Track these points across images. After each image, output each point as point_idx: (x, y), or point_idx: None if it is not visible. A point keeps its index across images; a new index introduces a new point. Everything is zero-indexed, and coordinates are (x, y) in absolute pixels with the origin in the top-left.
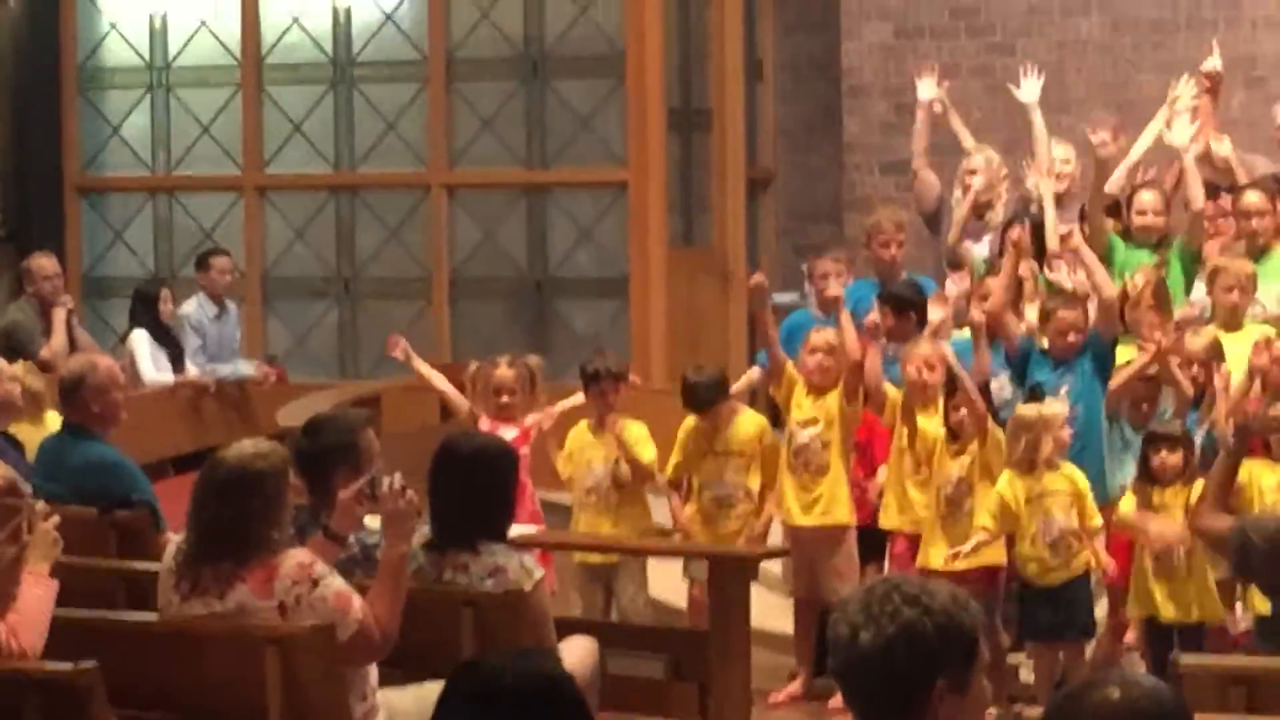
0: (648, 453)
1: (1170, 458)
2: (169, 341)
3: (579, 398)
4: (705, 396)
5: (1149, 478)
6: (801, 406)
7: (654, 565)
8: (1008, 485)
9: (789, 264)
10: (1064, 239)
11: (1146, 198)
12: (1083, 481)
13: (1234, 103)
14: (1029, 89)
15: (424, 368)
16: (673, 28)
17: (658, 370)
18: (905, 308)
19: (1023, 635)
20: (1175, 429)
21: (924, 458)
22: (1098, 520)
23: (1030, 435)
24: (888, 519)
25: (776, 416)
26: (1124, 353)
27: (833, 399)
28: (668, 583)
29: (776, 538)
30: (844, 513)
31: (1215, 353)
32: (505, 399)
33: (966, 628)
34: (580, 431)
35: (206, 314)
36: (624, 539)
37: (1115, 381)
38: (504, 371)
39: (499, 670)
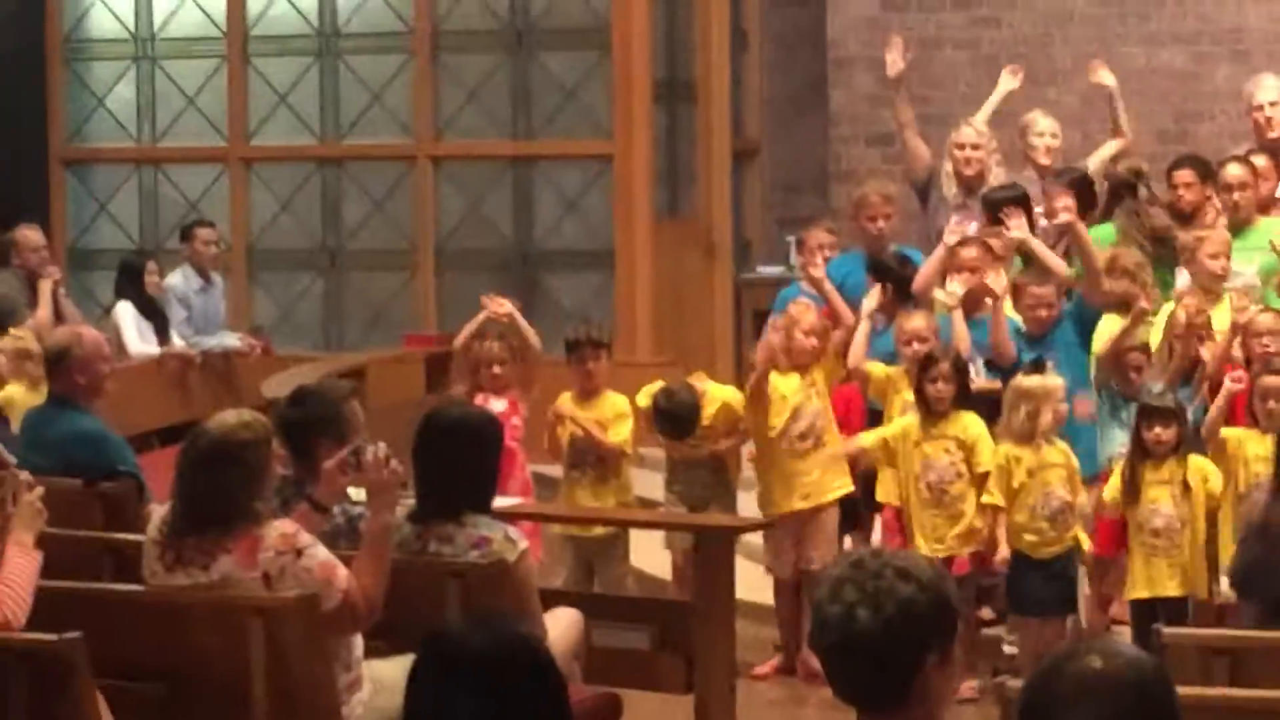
0: (621, 430)
1: (1164, 432)
2: (154, 313)
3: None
4: (679, 429)
5: (1141, 452)
6: (788, 386)
7: (637, 536)
8: (1005, 456)
9: (774, 236)
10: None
11: None
12: (1072, 456)
13: (1219, 76)
14: (1106, 75)
15: (531, 335)
16: None
17: (643, 342)
18: (892, 280)
19: (1011, 608)
20: (1168, 402)
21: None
22: (1083, 496)
23: (1030, 406)
24: (885, 493)
25: None
26: (1111, 322)
27: (817, 373)
28: (651, 554)
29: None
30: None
31: (1204, 325)
32: (496, 369)
33: (953, 599)
34: (564, 401)
35: (191, 286)
36: (606, 511)
37: (1102, 347)
38: (492, 344)
39: (465, 637)
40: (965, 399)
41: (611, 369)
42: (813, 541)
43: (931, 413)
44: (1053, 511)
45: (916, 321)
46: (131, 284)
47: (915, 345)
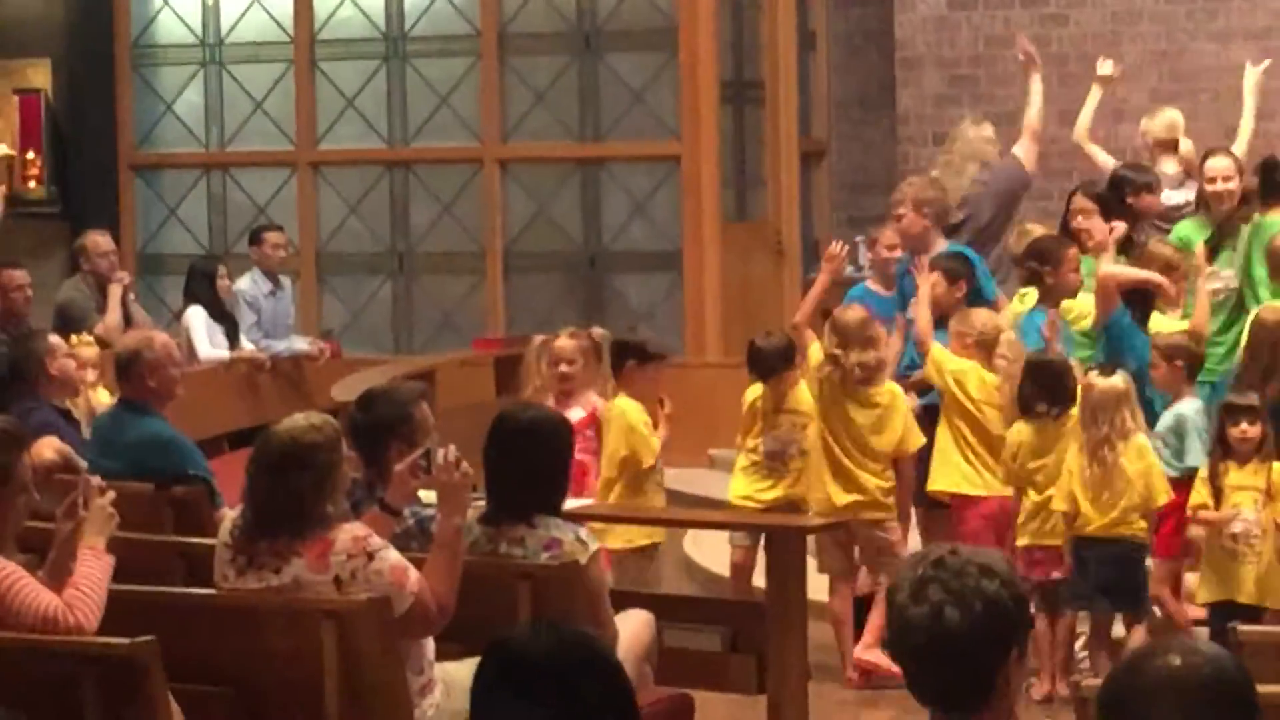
0: (625, 444)
1: (1250, 430)
2: (224, 318)
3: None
4: (770, 364)
5: (1225, 452)
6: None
7: (699, 535)
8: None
9: (843, 236)
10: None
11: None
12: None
13: None
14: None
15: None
16: (724, 0)
17: (712, 344)
18: (955, 278)
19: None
20: (1253, 399)
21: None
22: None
23: (1118, 408)
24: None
25: None
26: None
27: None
28: (713, 552)
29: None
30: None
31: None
32: (564, 368)
33: (1026, 593)
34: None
35: (261, 290)
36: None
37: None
38: (564, 341)
39: (529, 642)
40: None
41: (676, 371)
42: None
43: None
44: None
45: (982, 317)
46: (203, 288)
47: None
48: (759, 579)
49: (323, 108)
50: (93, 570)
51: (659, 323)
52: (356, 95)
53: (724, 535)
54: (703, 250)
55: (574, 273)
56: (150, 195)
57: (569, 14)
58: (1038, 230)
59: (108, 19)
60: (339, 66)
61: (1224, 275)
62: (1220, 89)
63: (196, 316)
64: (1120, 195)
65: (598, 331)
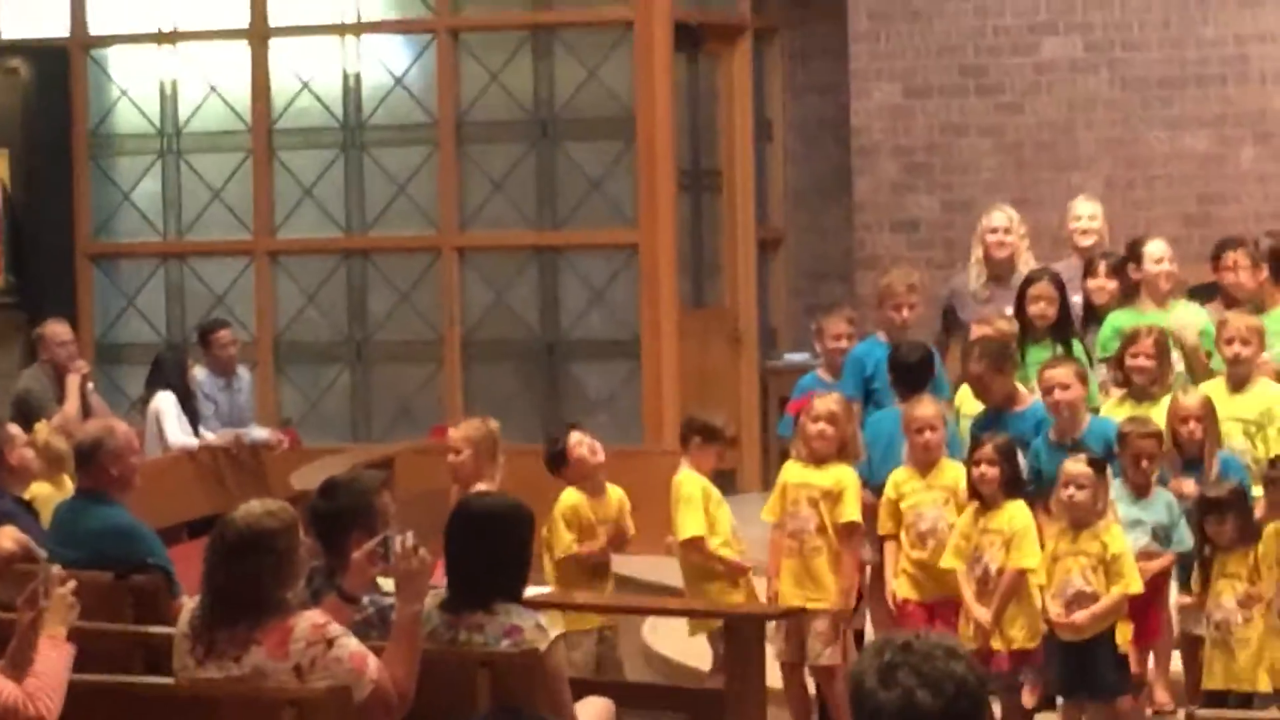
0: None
1: (1219, 527)
2: (189, 407)
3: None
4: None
5: (1206, 544)
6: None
7: (657, 622)
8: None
9: (800, 324)
10: None
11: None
12: (1117, 545)
13: (1244, 157)
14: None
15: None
16: (682, 89)
17: (670, 431)
18: (909, 373)
19: (1052, 691)
20: (1223, 491)
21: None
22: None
23: (1090, 491)
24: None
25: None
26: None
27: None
28: (671, 639)
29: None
30: (834, 593)
31: (1208, 411)
32: (450, 457)
33: (984, 674)
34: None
35: (216, 384)
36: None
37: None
38: (452, 430)
39: None
40: (1014, 485)
41: (623, 459)
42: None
43: (982, 500)
44: (1066, 600)
45: (926, 408)
46: (174, 375)
47: (927, 434)
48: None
49: (280, 197)
50: (53, 660)
51: (617, 410)
52: (314, 184)
53: (681, 622)
54: (661, 338)
55: (532, 360)
56: (108, 285)
57: (526, 102)
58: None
59: (65, 108)
60: (297, 155)
61: None
62: (1174, 175)
63: (167, 401)
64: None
65: (492, 422)
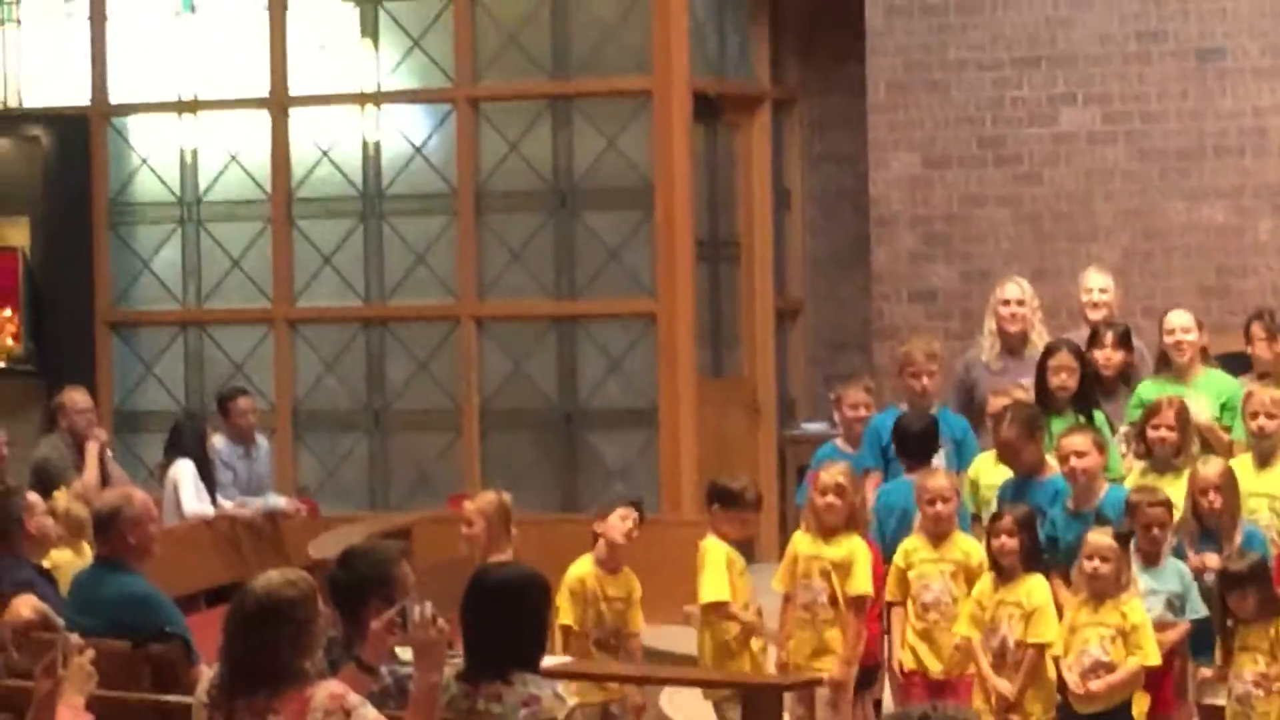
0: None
1: (1241, 602)
2: (207, 475)
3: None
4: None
5: (1228, 616)
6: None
7: (675, 692)
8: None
9: (819, 393)
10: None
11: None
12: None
13: (1262, 229)
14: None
15: None
16: (700, 159)
17: (688, 501)
18: (913, 440)
19: None
20: (1244, 565)
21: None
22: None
23: (1114, 564)
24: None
25: None
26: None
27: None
28: (689, 709)
29: None
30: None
31: (1228, 481)
32: (464, 529)
33: None
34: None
35: (234, 452)
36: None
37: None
38: (466, 503)
39: None
40: (1034, 558)
41: (641, 529)
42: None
43: (1001, 571)
44: (1083, 670)
45: (939, 480)
46: (193, 444)
47: (939, 505)
48: None
49: (300, 265)
50: None
51: (635, 480)
52: (334, 253)
53: (698, 692)
54: (679, 407)
55: (550, 430)
56: (127, 353)
57: (545, 172)
58: None
59: (86, 177)
60: (316, 225)
61: None
62: (1192, 247)
63: (186, 470)
64: None
65: (505, 494)
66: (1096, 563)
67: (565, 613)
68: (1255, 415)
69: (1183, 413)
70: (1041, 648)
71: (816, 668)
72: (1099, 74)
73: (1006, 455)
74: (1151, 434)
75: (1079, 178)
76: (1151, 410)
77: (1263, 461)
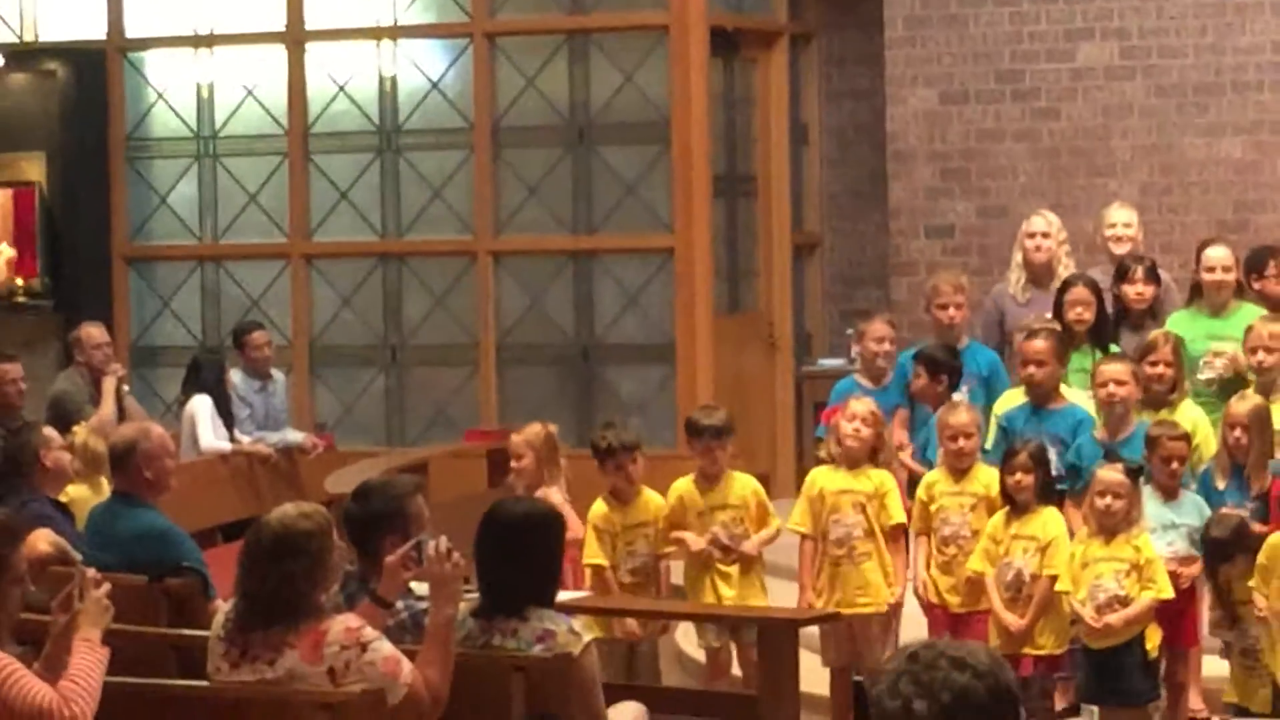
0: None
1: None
2: (224, 410)
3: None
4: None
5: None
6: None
7: (690, 627)
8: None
9: (835, 329)
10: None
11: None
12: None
13: None
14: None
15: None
16: (718, 94)
17: None
18: (939, 370)
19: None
20: (1225, 533)
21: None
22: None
23: (1126, 500)
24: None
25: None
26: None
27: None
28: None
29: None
30: (885, 594)
31: (1256, 419)
32: (513, 463)
33: (1012, 684)
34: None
35: (251, 386)
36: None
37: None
38: (514, 437)
39: None
40: (1048, 492)
41: (657, 464)
42: (871, 638)
43: (1015, 506)
44: (1098, 604)
45: (960, 415)
46: (211, 380)
47: (961, 441)
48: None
49: (316, 200)
50: (88, 663)
51: (651, 415)
52: (350, 188)
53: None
54: (695, 343)
55: (566, 365)
56: (144, 287)
57: (562, 107)
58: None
59: (102, 112)
60: (332, 160)
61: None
62: (1210, 182)
63: (204, 406)
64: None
65: (551, 426)
66: (1109, 499)
67: (592, 552)
68: (1254, 350)
69: (1179, 348)
70: (1055, 579)
71: (860, 603)
72: (1117, 8)
73: (1033, 365)
74: (1149, 370)
75: (1097, 113)
76: (1148, 346)
77: (1263, 395)
